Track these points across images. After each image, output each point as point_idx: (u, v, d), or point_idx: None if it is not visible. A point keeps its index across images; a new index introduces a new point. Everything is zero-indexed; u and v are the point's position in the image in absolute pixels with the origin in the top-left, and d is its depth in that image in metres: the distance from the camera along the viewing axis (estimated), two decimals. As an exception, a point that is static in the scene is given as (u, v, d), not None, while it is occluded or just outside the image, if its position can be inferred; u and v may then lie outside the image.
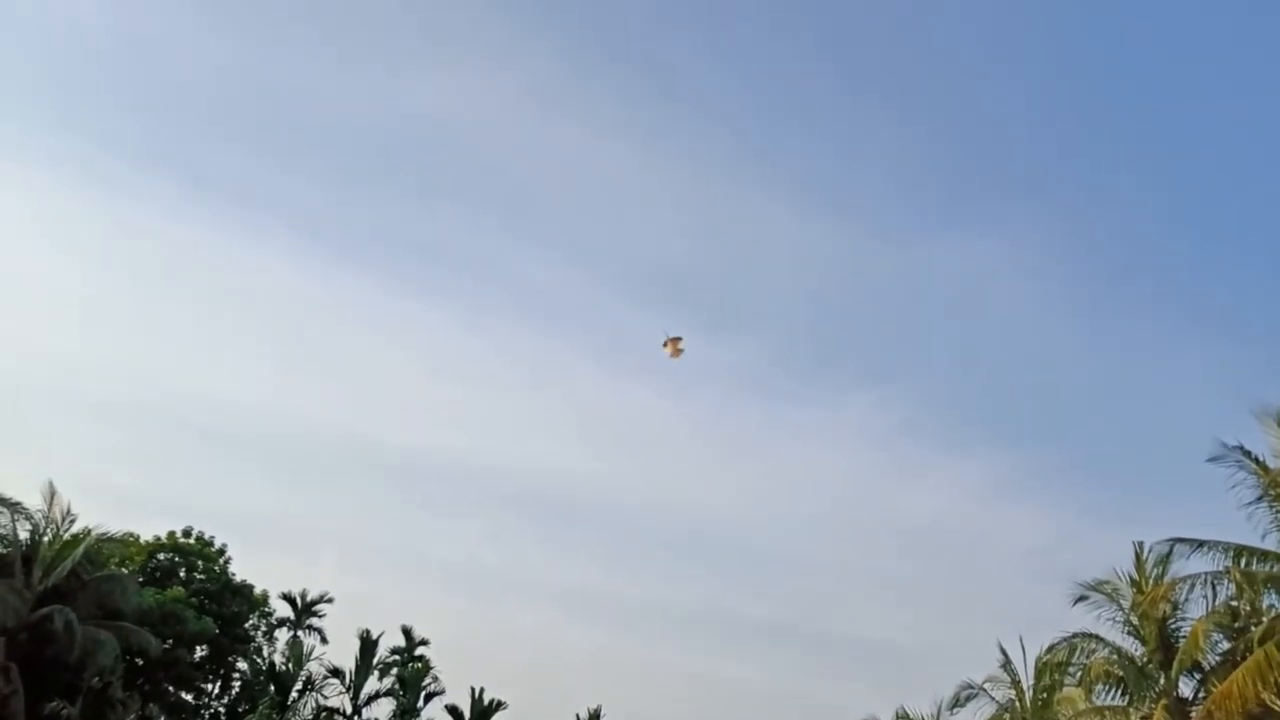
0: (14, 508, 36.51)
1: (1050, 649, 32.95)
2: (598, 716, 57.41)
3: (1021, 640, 36.61)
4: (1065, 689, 33.20)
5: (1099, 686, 29.82)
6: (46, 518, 37.90)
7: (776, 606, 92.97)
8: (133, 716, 43.56)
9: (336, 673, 53.69)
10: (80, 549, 37.78)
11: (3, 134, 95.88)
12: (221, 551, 51.99)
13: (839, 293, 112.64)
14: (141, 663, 43.75)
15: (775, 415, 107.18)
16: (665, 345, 30.94)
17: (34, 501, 37.57)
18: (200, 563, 50.87)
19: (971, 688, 37.31)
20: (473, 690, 56.25)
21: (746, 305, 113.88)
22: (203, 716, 51.45)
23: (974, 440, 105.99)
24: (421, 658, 56.16)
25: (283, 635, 54.97)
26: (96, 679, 38.96)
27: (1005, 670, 36.79)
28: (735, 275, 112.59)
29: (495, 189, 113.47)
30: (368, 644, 54.74)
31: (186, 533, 51.56)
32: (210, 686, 51.52)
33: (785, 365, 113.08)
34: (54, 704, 36.41)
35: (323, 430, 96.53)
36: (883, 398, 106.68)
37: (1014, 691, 36.43)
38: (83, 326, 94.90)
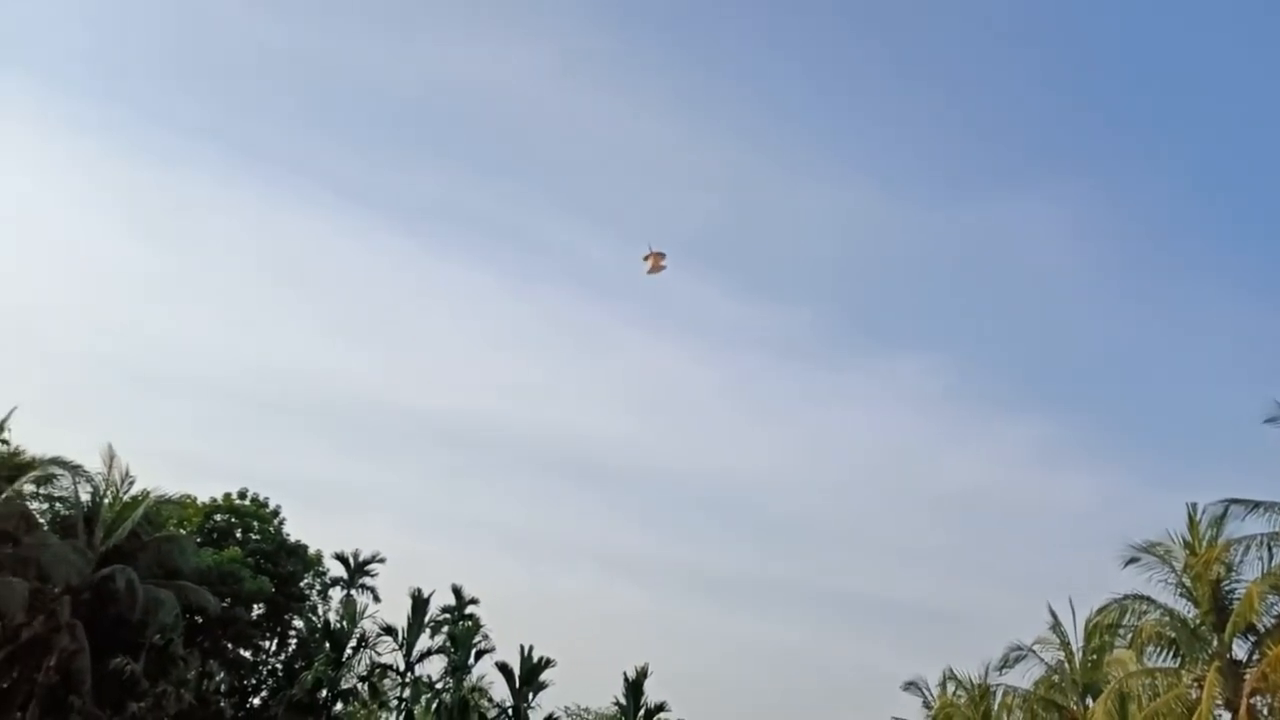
0: (75, 470, 37.48)
1: (1101, 611, 32.55)
2: (644, 675, 57.90)
3: (1071, 603, 36.32)
4: (1116, 651, 32.84)
5: (1150, 648, 29.45)
6: (106, 480, 38.94)
7: (821, 571, 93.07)
8: (193, 672, 44.84)
9: (389, 630, 54.72)
10: (140, 510, 38.80)
11: (59, 104, 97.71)
12: (276, 513, 53.08)
13: (881, 259, 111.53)
14: (201, 620, 44.96)
15: (819, 381, 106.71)
16: (646, 258, 30.20)
17: (94, 465, 38.63)
18: (256, 523, 52.00)
19: (1020, 649, 37.08)
20: (522, 648, 57.07)
21: (788, 272, 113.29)
22: (260, 672, 52.85)
23: (1020, 406, 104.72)
24: (472, 616, 57.00)
25: (336, 594, 56.16)
26: (158, 636, 40.09)
27: (1054, 632, 36.50)
28: (777, 242, 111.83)
29: (543, 159, 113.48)
30: (419, 603, 55.67)
31: (242, 494, 52.67)
32: (267, 644, 52.88)
33: (829, 331, 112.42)
34: (118, 660, 37.54)
35: (375, 396, 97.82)
36: (927, 364, 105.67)
37: (1063, 653, 36.16)
38: (139, 296, 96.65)
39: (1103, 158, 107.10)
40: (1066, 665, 36.01)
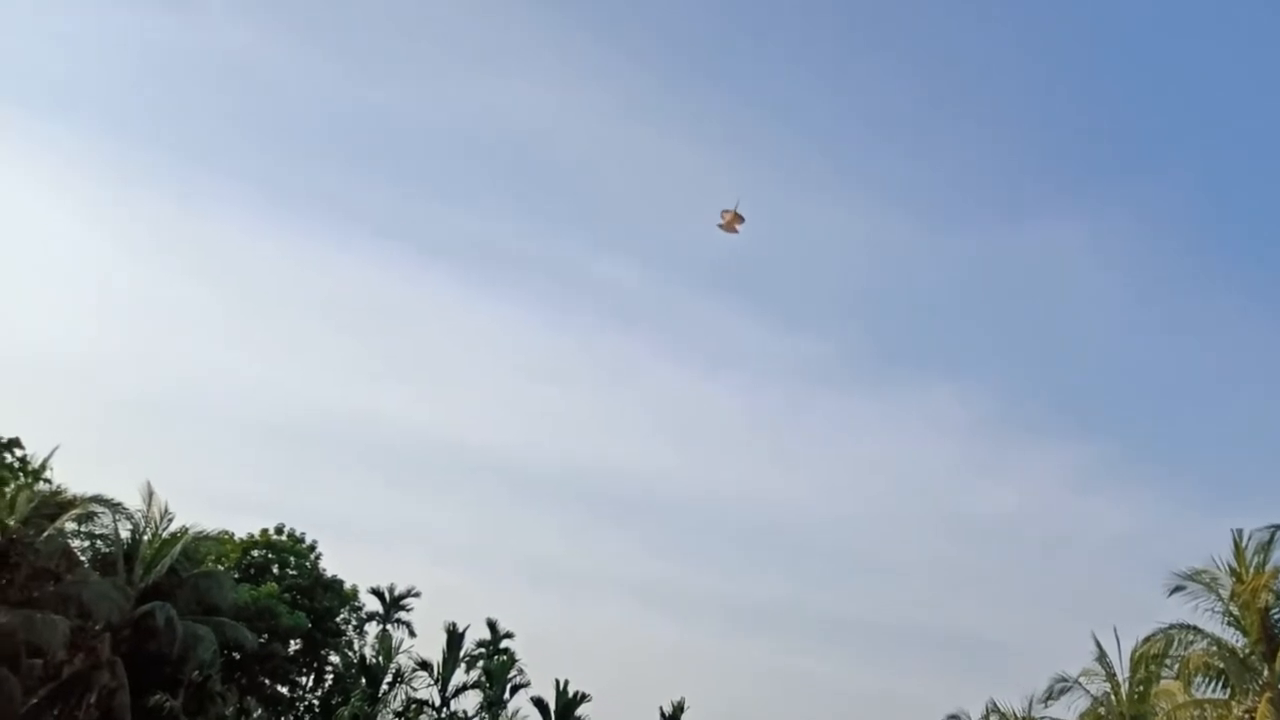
0: (115, 508, 37.85)
1: (1146, 641, 31.96)
2: (681, 709, 57.39)
3: (1116, 632, 35.64)
4: (1163, 682, 32.22)
5: (1198, 679, 28.88)
6: (146, 517, 39.32)
7: (857, 600, 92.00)
8: (231, 709, 44.97)
9: (425, 665, 54.74)
10: (178, 547, 39.09)
11: (109, 148, 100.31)
12: (312, 548, 53.34)
13: (909, 285, 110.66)
14: (238, 656, 45.13)
15: (849, 409, 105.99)
16: (724, 214, 29.57)
17: (134, 502, 39.06)
18: (292, 559, 52.25)
19: (1065, 681, 36.38)
20: (557, 682, 56.84)
21: (816, 299, 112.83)
22: (297, 708, 52.90)
23: (1054, 431, 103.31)
24: (506, 650, 56.90)
25: (372, 629, 56.25)
26: (196, 672, 40.26)
27: (1100, 663, 35.81)
28: (804, 269, 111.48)
29: (576, 190, 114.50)
30: (454, 637, 55.67)
31: (279, 530, 53.00)
32: (304, 679, 52.96)
33: (858, 359, 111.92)
34: (157, 697, 37.76)
35: (412, 430, 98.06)
36: (960, 390, 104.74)
37: (1109, 685, 35.44)
38: (177, 335, 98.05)
39: (1130, 179, 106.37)
40: (1113, 697, 35.27)
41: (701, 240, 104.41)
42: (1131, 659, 34.56)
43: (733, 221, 29.71)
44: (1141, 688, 34.09)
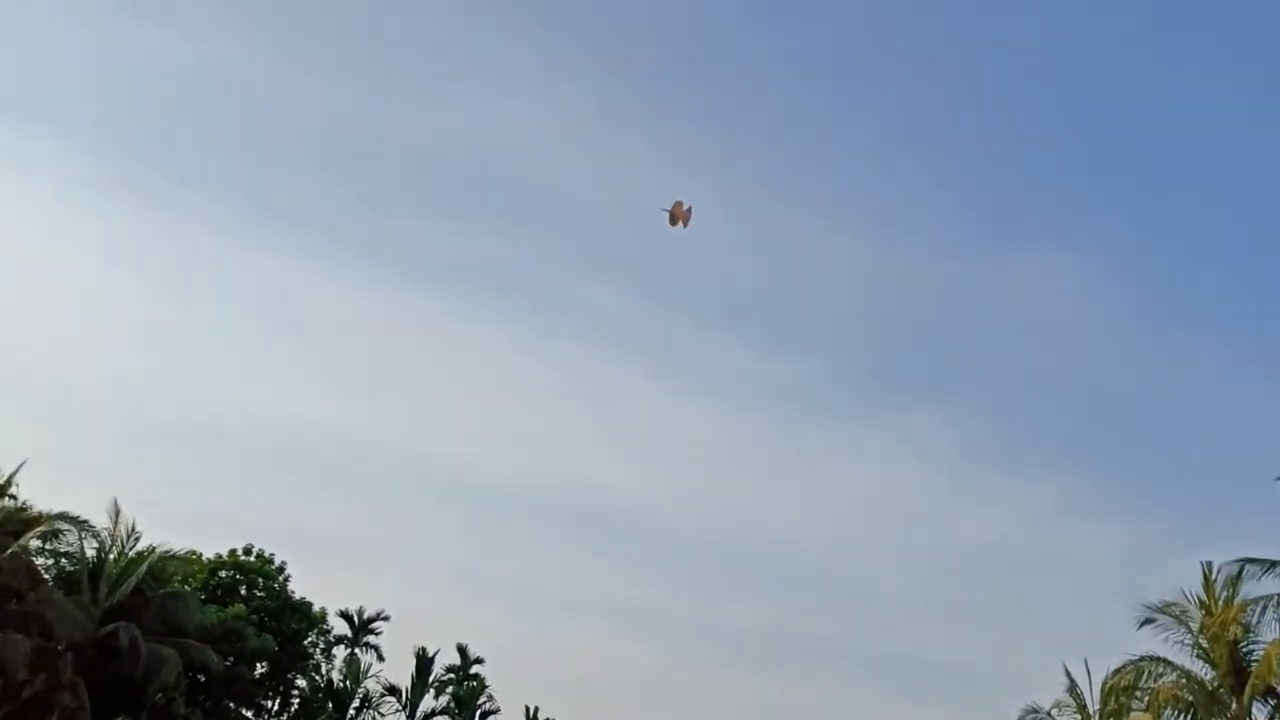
0: (81, 525, 37.31)
1: (1117, 672, 32.13)
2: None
3: (1087, 663, 35.76)
4: (1133, 713, 32.30)
5: (1168, 711, 28.99)
6: (112, 535, 38.74)
7: (835, 628, 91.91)
8: (194, 732, 44.23)
9: (393, 691, 54.14)
10: (144, 566, 38.49)
11: (76, 160, 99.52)
12: (281, 569, 52.68)
13: (898, 313, 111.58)
14: (203, 679, 44.42)
15: (833, 436, 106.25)
16: (675, 223, 27.30)
17: (100, 520, 38.47)
18: (260, 580, 51.57)
19: (1036, 712, 36.49)
20: (527, 709, 56.46)
21: (803, 325, 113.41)
22: (262, 733, 52.13)
23: (1037, 461, 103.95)
24: (477, 676, 56.40)
25: (340, 653, 55.56)
26: (160, 695, 39.59)
27: (1071, 694, 35.92)
28: (791, 295, 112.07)
29: (559, 211, 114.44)
30: (423, 662, 55.14)
31: (247, 550, 52.34)
32: (270, 703, 52.15)
33: (844, 386, 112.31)
34: (119, 719, 37.09)
35: (388, 450, 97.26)
36: (943, 418, 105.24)
37: (1080, 716, 35.54)
38: (149, 349, 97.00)
39: (1120, 219, 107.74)
40: (1083, 729, 35.37)
41: (687, 264, 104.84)
42: (1102, 690, 34.69)
43: (680, 210, 27.68)
44: (1112, 719, 34.20)
